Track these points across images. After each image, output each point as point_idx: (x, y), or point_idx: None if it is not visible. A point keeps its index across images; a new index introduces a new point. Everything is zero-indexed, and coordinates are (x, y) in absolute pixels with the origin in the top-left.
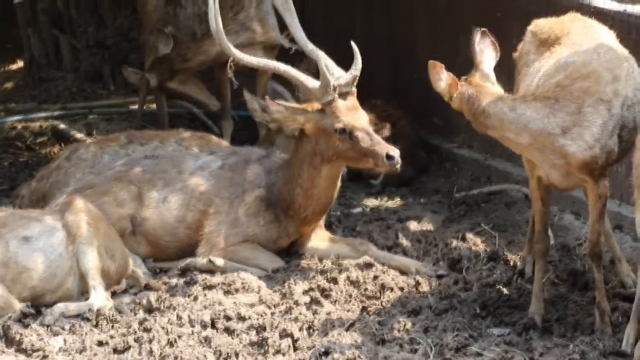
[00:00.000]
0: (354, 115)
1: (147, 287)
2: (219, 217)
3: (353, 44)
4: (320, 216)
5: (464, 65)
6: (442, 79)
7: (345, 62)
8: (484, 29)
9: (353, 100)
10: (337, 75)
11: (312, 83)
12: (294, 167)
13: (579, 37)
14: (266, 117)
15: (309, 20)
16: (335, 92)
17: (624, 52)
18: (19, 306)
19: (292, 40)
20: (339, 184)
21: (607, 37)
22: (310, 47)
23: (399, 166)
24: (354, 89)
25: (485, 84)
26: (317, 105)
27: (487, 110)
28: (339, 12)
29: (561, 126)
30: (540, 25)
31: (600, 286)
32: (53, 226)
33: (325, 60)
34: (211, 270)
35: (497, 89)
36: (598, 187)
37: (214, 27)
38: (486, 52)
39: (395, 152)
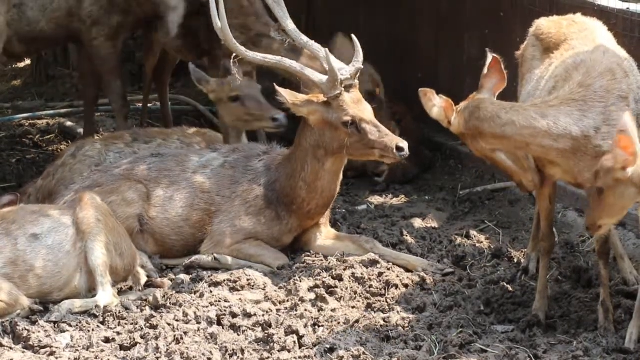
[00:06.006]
0: (359, 108)
1: (149, 284)
2: (221, 215)
3: (354, 37)
4: (324, 209)
5: (467, 63)
6: (434, 104)
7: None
8: (495, 55)
9: (357, 93)
10: (340, 68)
11: (318, 77)
12: (297, 160)
13: (577, 42)
14: (203, 89)
15: (314, 17)
16: (342, 85)
17: (621, 50)
18: (27, 303)
19: (284, 32)
20: (341, 176)
21: (605, 37)
22: (304, 39)
23: (405, 156)
24: (357, 82)
25: (484, 97)
26: (321, 97)
27: (510, 118)
28: (343, 10)
29: (594, 127)
30: (542, 28)
31: (606, 283)
32: (63, 222)
33: (327, 54)
34: (216, 268)
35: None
36: None
37: (218, 23)
38: (491, 78)
39: (404, 143)
